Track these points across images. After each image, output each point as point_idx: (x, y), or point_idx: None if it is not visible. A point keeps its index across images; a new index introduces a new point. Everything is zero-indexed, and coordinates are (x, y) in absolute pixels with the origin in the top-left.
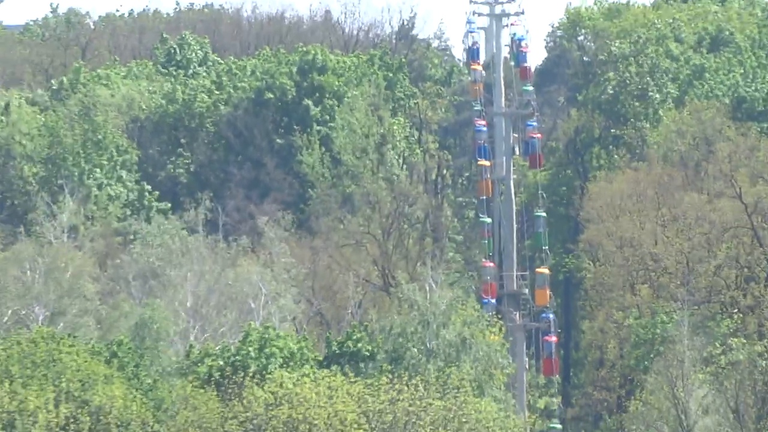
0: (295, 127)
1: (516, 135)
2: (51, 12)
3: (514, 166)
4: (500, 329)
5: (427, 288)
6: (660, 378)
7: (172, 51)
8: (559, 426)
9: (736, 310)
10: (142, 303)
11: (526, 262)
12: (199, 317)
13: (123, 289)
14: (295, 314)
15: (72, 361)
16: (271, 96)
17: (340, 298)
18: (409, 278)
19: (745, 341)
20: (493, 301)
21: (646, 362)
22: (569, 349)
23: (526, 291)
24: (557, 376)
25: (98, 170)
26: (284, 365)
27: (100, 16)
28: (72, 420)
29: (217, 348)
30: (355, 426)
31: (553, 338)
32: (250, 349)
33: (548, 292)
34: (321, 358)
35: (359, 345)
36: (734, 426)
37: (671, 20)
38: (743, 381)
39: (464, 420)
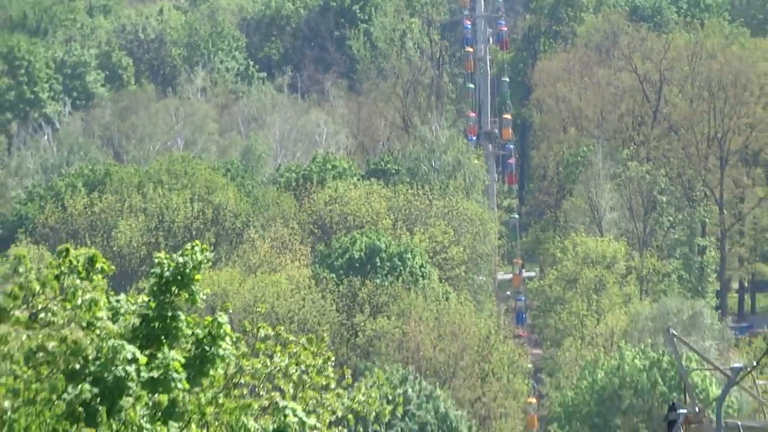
0: (347, 24)
1: (490, 30)
2: None
3: (489, 50)
4: (480, 156)
5: (433, 129)
6: (581, 187)
7: None
8: (516, 216)
9: (632, 144)
10: (247, 137)
11: (496, 112)
12: (284, 146)
13: (234, 128)
14: (345, 145)
15: (201, 174)
16: (333, 4)
17: (376, 134)
18: (420, 122)
19: (637, 164)
20: (475, 137)
21: (573, 177)
22: (524, 168)
23: (496, 131)
24: (516, 185)
25: (220, 51)
26: (337, 177)
27: None
28: (201, 213)
29: (294, 166)
30: (383, 216)
31: (513, 161)
32: (315, 166)
33: (510, 131)
34: (362, 173)
35: (388, 165)
36: (628, 218)
37: None
38: (635, 189)
39: (456, 213)
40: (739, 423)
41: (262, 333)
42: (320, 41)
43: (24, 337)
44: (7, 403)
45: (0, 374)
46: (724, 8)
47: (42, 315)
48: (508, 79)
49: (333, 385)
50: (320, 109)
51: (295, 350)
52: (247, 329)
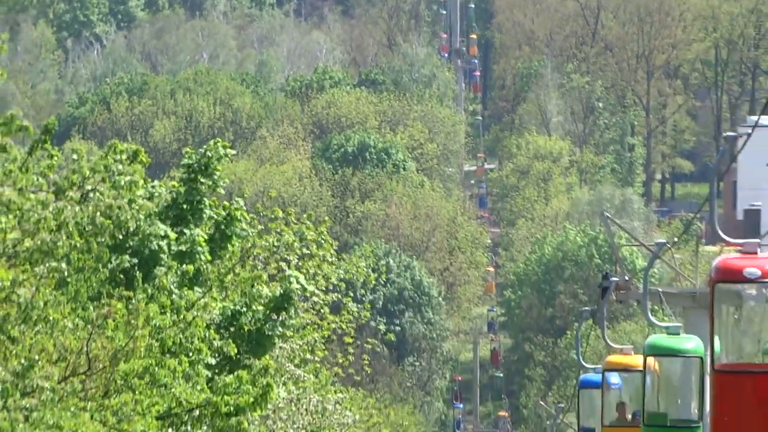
0: None
1: None
2: None
3: None
4: (450, 69)
5: (413, 47)
6: (533, 95)
7: None
8: (480, 118)
9: (575, 60)
10: (260, 53)
11: (464, 33)
12: (290, 61)
13: (250, 45)
14: (341, 60)
15: (222, 83)
16: None
17: (365, 51)
18: (402, 41)
19: (579, 76)
20: (446, 54)
21: (526, 87)
22: (487, 79)
23: (464, 48)
24: (479, 93)
25: None
26: (333, 86)
27: None
28: (222, 115)
29: (299, 77)
30: (371, 118)
31: (478, 73)
32: (315, 77)
33: (476, 48)
34: (354, 83)
35: (375, 76)
36: (571, 121)
37: None
38: (577, 97)
39: (431, 116)
40: (660, 290)
41: (272, 215)
42: None
43: (77, 209)
44: (64, 265)
45: (57, 241)
46: None
47: (91, 195)
48: (473, 5)
49: (330, 258)
50: (320, 31)
51: (297, 228)
52: (260, 211)
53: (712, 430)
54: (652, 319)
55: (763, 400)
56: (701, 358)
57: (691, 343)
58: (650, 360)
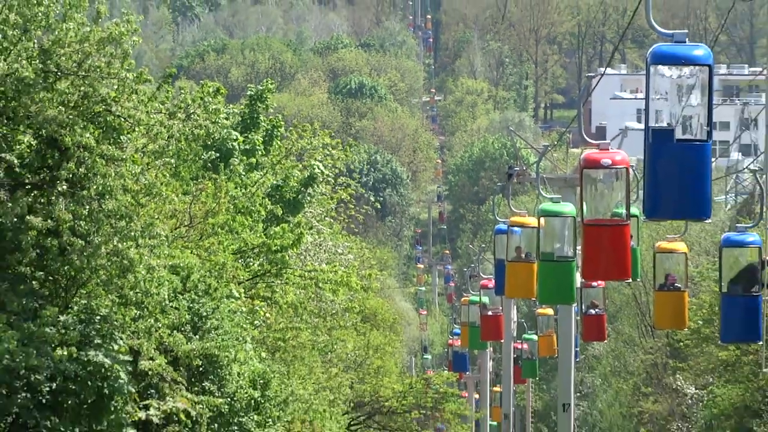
0: None
1: None
2: None
3: None
4: (414, 38)
5: (392, 23)
6: (465, 53)
7: None
8: (432, 68)
9: (491, 31)
10: (297, 26)
11: (423, 15)
12: (316, 32)
13: (290, 22)
14: (347, 31)
15: (272, 44)
16: None
17: (362, 25)
18: (385, 19)
19: (494, 42)
20: (412, 28)
21: (462, 48)
22: (437, 43)
23: (422, 24)
24: (432, 53)
25: None
26: (342, 48)
27: None
28: (272, 65)
29: (321, 41)
30: (364, 67)
31: (431, 40)
32: (331, 42)
33: (430, 24)
34: (355, 45)
35: (368, 41)
36: (488, 71)
37: None
38: (491, 56)
39: (401, 67)
40: (544, 175)
41: (303, 128)
42: None
43: (182, 124)
44: (173, 160)
45: (170, 144)
46: None
47: (191, 115)
48: None
49: (337, 153)
50: (334, 13)
51: (318, 135)
52: (296, 125)
53: (583, 262)
54: (543, 193)
55: (610, 240)
56: (573, 217)
57: (568, 207)
58: (542, 220)
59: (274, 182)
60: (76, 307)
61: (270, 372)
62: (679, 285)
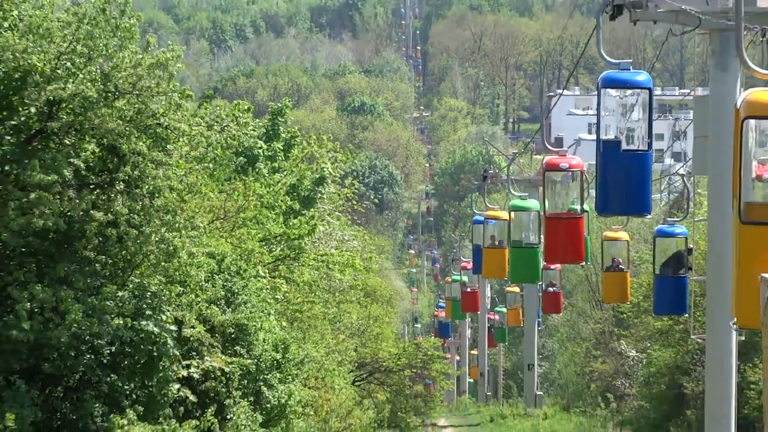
0: None
1: None
2: None
3: None
4: (406, 65)
5: (388, 53)
6: (448, 78)
7: None
8: (421, 89)
9: (469, 60)
10: (311, 55)
11: (413, 46)
12: (327, 60)
13: (306, 52)
14: (351, 59)
15: (291, 70)
16: None
17: (364, 55)
18: (383, 50)
19: (472, 69)
20: (405, 57)
21: (445, 73)
22: (425, 69)
23: (413, 54)
24: (421, 77)
25: None
26: (348, 74)
27: None
28: (290, 87)
29: (330, 68)
30: (366, 89)
31: (420, 67)
32: (339, 69)
33: (420, 54)
34: (358, 72)
35: (369, 68)
36: (467, 92)
37: None
38: (468, 80)
39: (395, 89)
40: (513, 177)
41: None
42: None
43: (218, 135)
44: (210, 165)
45: (208, 152)
46: None
47: (225, 128)
48: (419, 32)
49: (344, 158)
50: (341, 45)
51: (323, 142)
52: (310, 136)
53: (545, 249)
54: (512, 192)
55: (567, 231)
56: (537, 211)
57: (533, 203)
58: (512, 213)
59: (292, 182)
60: (131, 285)
61: (289, 338)
62: (623, 267)
